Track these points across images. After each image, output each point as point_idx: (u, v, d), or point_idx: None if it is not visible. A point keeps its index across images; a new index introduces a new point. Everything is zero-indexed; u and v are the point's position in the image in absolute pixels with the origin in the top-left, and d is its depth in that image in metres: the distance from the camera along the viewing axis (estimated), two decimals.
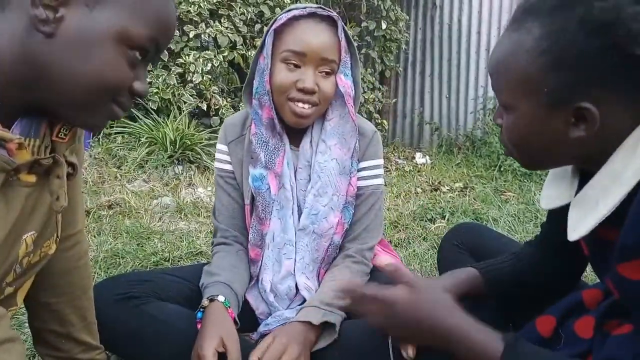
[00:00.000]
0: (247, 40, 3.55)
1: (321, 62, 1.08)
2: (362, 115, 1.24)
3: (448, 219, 2.48)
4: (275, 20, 1.10)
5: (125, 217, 2.31)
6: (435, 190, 3.23)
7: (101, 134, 3.30)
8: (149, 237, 2.08)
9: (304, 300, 1.14)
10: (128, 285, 1.05)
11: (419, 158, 4.32)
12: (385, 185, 3.26)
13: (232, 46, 3.43)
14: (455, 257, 1.22)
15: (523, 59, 0.68)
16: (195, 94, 3.34)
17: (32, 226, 0.71)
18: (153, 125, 3.20)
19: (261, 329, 1.13)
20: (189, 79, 3.28)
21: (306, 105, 1.09)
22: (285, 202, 1.15)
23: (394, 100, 4.97)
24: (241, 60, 3.47)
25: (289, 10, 1.09)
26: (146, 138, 3.16)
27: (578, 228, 0.71)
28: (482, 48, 4.69)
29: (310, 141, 1.17)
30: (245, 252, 1.20)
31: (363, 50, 4.33)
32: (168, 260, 1.87)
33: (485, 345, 0.72)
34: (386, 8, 4.18)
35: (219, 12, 3.43)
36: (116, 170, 2.92)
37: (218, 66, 3.36)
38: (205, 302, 1.02)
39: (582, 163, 0.75)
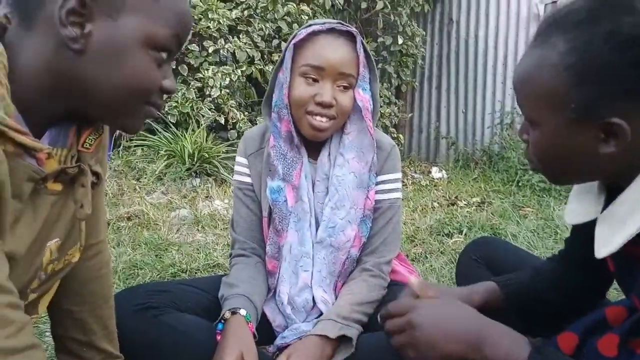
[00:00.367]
0: (265, 55, 3.60)
1: (339, 76, 1.09)
2: (378, 129, 1.25)
3: (465, 234, 2.46)
4: (295, 35, 1.12)
5: (143, 228, 2.34)
6: (452, 204, 3.21)
7: (121, 146, 3.36)
8: (167, 249, 2.10)
9: (321, 314, 1.14)
10: (147, 295, 1.06)
11: (435, 172, 4.30)
12: (402, 199, 3.25)
13: (250, 61, 3.48)
14: (474, 271, 1.21)
15: (549, 74, 0.67)
16: (213, 107, 3.39)
17: (56, 234, 0.72)
18: (172, 139, 3.25)
19: (278, 341, 1.12)
20: (207, 93, 3.34)
21: (324, 119, 1.10)
22: (302, 215, 1.15)
23: (410, 115, 4.97)
24: (259, 75, 3.52)
25: (309, 26, 1.11)
26: (165, 151, 3.21)
27: (606, 245, 0.69)
28: (498, 63, 4.68)
29: (329, 154, 1.18)
30: (263, 264, 1.20)
31: (379, 65, 4.36)
32: (185, 272, 1.88)
33: (511, 348, 0.71)
34: (403, 24, 4.21)
35: (238, 27, 3.49)
36: (135, 182, 2.96)
37: (236, 81, 3.42)
38: (227, 314, 1.03)
39: (611, 179, 0.74)
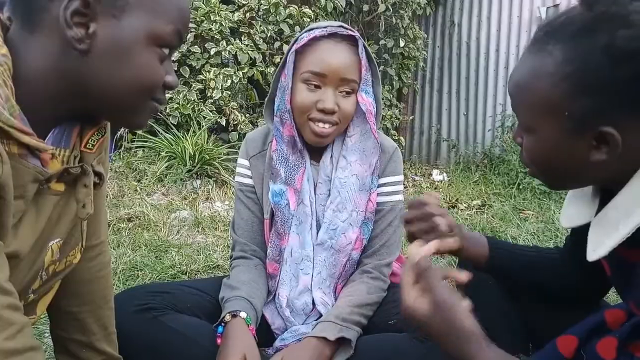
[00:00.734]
0: (267, 58, 3.61)
1: (341, 82, 1.09)
2: (380, 132, 1.25)
3: None
4: (296, 39, 1.12)
5: (144, 230, 2.34)
6: (453, 207, 3.21)
7: (122, 147, 3.37)
8: (167, 250, 2.10)
9: (320, 316, 1.14)
10: (146, 296, 1.07)
11: (436, 175, 4.31)
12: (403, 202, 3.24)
13: (252, 63, 3.49)
14: (474, 274, 1.21)
15: (545, 83, 0.68)
16: (214, 109, 3.40)
17: (58, 233, 0.73)
18: (173, 140, 3.26)
19: (277, 343, 1.12)
20: (208, 95, 3.34)
21: (326, 125, 1.10)
22: (304, 218, 1.16)
23: (411, 117, 4.98)
24: (260, 77, 3.52)
25: (311, 30, 1.11)
26: (166, 152, 3.22)
27: (598, 248, 0.70)
28: (500, 66, 4.69)
29: (331, 157, 1.18)
30: (263, 267, 1.20)
31: (381, 68, 4.36)
32: (185, 274, 1.89)
33: None
34: (404, 26, 4.22)
35: (240, 30, 3.50)
36: (136, 183, 2.97)
37: (237, 82, 3.42)
38: (227, 317, 1.03)
39: (603, 184, 0.74)
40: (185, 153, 3.14)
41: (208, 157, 3.19)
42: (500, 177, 4.03)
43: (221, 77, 3.31)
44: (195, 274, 1.90)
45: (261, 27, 3.50)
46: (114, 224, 2.33)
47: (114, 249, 2.07)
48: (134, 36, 0.65)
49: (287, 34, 3.56)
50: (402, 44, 4.23)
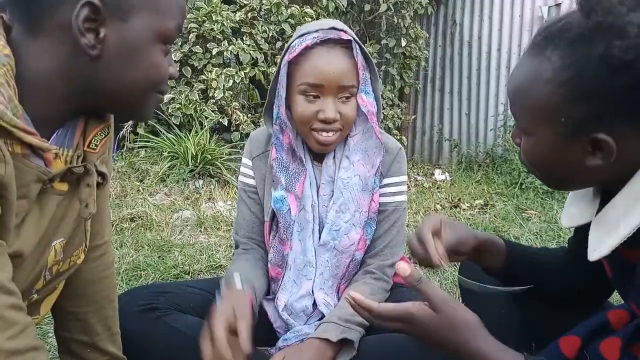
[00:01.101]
0: (268, 57, 3.61)
1: (340, 89, 1.07)
2: (384, 132, 1.25)
3: None
4: (288, 49, 1.09)
5: (146, 230, 2.35)
6: (455, 207, 3.20)
7: (124, 148, 3.37)
8: (169, 250, 2.10)
9: (323, 316, 1.14)
10: (149, 296, 1.07)
11: (438, 175, 4.30)
12: None
13: (254, 63, 3.49)
14: (476, 274, 1.21)
15: (542, 89, 0.69)
16: (216, 109, 3.40)
17: (61, 233, 0.73)
18: (175, 140, 3.26)
19: (280, 343, 1.12)
20: (210, 95, 3.34)
21: (330, 133, 1.10)
22: (305, 224, 1.15)
23: (413, 117, 4.97)
24: (262, 77, 3.52)
25: (302, 36, 1.08)
26: (168, 152, 3.22)
27: (599, 248, 0.71)
28: (502, 65, 4.68)
29: (334, 157, 1.18)
30: (264, 262, 1.20)
31: (382, 67, 4.36)
32: (188, 274, 1.89)
33: None
34: (406, 26, 4.21)
35: (242, 30, 3.50)
36: (138, 183, 2.97)
37: (239, 83, 3.42)
38: (221, 284, 0.99)
39: (603, 186, 0.75)
40: (187, 153, 3.14)
41: (210, 157, 3.19)
42: (502, 177, 4.03)
43: (223, 77, 3.31)
44: (198, 274, 1.90)
45: (263, 27, 3.50)
46: (117, 224, 2.34)
47: (116, 249, 2.07)
48: (142, 36, 0.67)
49: (289, 33, 3.55)
50: (403, 43, 4.22)
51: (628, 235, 0.66)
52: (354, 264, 1.17)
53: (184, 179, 3.06)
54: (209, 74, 3.32)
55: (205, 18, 3.37)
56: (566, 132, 0.68)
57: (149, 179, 3.03)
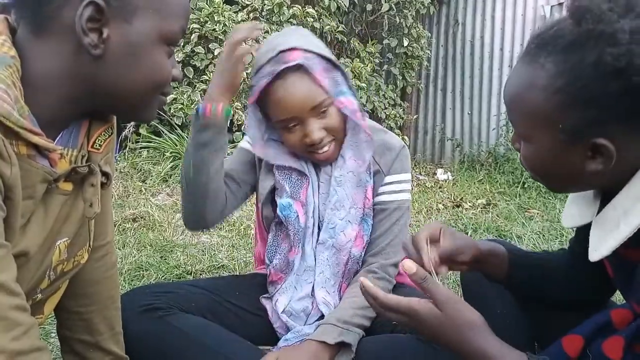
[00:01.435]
0: None
1: (313, 110, 1.06)
2: (387, 130, 1.25)
3: (471, 236, 2.45)
4: (252, 88, 1.09)
5: (149, 230, 2.35)
6: (458, 206, 3.20)
7: (127, 148, 3.38)
8: (172, 250, 2.11)
9: (322, 315, 1.14)
10: (152, 296, 1.07)
11: (441, 174, 4.30)
12: None
13: None
14: (478, 274, 1.21)
15: (538, 96, 0.69)
16: None
17: (66, 233, 0.74)
18: (177, 140, 3.27)
19: (281, 344, 1.12)
20: None
21: (325, 148, 1.10)
22: (305, 229, 1.16)
23: (415, 117, 4.97)
24: None
25: (257, 72, 1.08)
26: (170, 153, 3.23)
27: (599, 248, 0.71)
28: (504, 65, 4.67)
29: None
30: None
31: (385, 67, 4.36)
32: (190, 274, 1.89)
33: None
34: (408, 25, 4.21)
35: None
36: (141, 184, 2.98)
37: (241, 83, 3.42)
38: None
39: (604, 188, 0.75)
40: None
41: None
42: (505, 176, 4.02)
43: None
44: (200, 274, 1.91)
45: (265, 28, 3.51)
46: (119, 224, 2.35)
47: (119, 249, 2.08)
48: (145, 38, 0.67)
49: None
50: (405, 43, 4.22)
51: (629, 235, 0.66)
52: (352, 261, 1.17)
53: None
54: (211, 74, 3.33)
55: (207, 18, 3.37)
56: (565, 138, 0.69)
57: (151, 179, 3.03)
